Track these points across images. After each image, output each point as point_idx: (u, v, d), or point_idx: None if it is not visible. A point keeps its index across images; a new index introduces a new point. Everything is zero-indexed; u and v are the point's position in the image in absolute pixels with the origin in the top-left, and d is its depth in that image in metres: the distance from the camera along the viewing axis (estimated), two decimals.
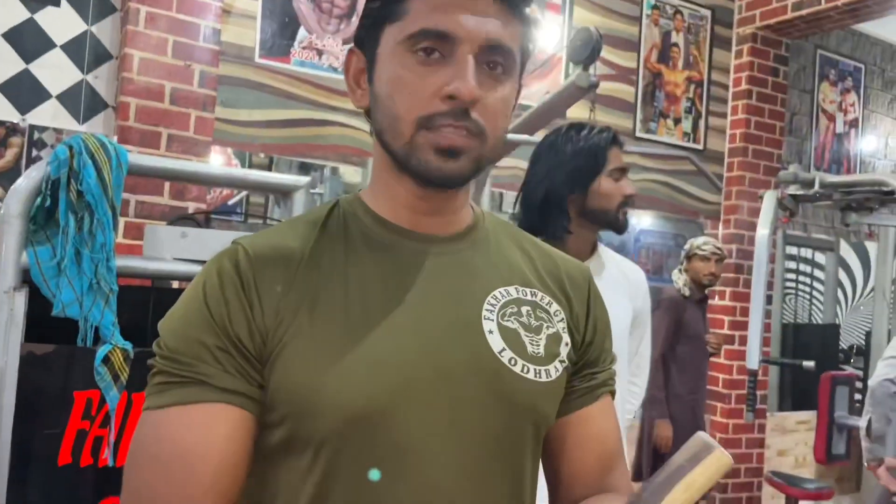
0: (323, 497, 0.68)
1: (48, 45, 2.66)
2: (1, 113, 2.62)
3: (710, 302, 4.48)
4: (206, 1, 2.80)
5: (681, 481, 0.55)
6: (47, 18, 2.66)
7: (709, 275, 3.40)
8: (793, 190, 3.13)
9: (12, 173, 7.23)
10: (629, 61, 4.05)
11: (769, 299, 4.43)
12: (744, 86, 4.33)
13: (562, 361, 0.76)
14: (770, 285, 4.45)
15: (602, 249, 1.67)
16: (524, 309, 0.76)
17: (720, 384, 4.21)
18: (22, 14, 2.62)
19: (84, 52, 2.72)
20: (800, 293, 5.58)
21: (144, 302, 1.75)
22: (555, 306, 0.79)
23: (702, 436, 0.58)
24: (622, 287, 1.63)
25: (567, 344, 0.78)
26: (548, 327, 0.77)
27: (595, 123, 2.52)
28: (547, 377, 0.74)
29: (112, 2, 2.77)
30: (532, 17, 0.76)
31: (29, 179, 1.51)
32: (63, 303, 1.48)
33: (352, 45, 0.78)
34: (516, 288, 0.77)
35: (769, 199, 2.96)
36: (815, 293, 5.67)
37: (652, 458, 3.37)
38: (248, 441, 0.68)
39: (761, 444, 4.33)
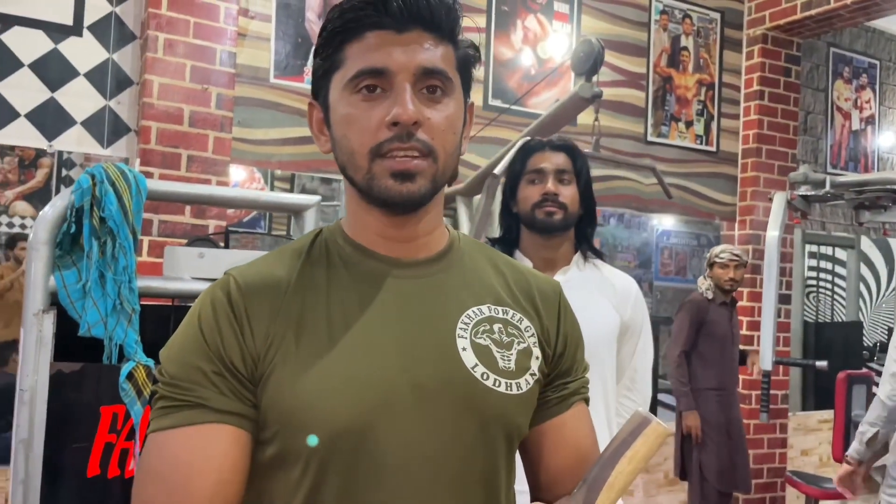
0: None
1: (72, 73, 2.78)
2: (29, 140, 2.74)
3: None
4: (221, 26, 2.90)
5: (625, 454, 0.61)
6: (71, 48, 2.78)
7: (729, 280, 3.56)
8: (804, 191, 3.15)
9: (42, 193, 7.45)
10: (639, 67, 4.09)
11: (788, 299, 4.42)
12: (756, 87, 4.35)
13: (532, 374, 0.81)
14: (789, 284, 4.45)
15: (580, 260, 1.70)
16: (496, 326, 0.81)
17: (740, 385, 4.21)
18: (46, 45, 2.74)
19: (106, 79, 2.83)
20: (821, 291, 5.55)
21: (166, 319, 1.84)
22: (526, 322, 0.84)
23: (640, 411, 0.63)
24: (606, 296, 1.67)
25: (538, 358, 0.83)
26: (519, 343, 0.81)
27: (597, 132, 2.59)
28: (518, 390, 0.79)
29: (132, 30, 2.88)
30: (464, 40, 0.83)
31: (55, 208, 1.60)
32: (89, 323, 1.57)
33: (310, 99, 0.85)
34: (489, 307, 0.82)
35: (778, 201, 2.98)
36: (836, 291, 5.64)
37: (681, 449, 3.47)
38: (244, 457, 0.74)
39: (783, 444, 4.32)
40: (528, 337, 0.83)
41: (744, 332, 4.26)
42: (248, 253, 1.94)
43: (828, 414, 4.50)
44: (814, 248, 5.46)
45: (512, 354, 0.80)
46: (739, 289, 4.34)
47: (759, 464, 4.21)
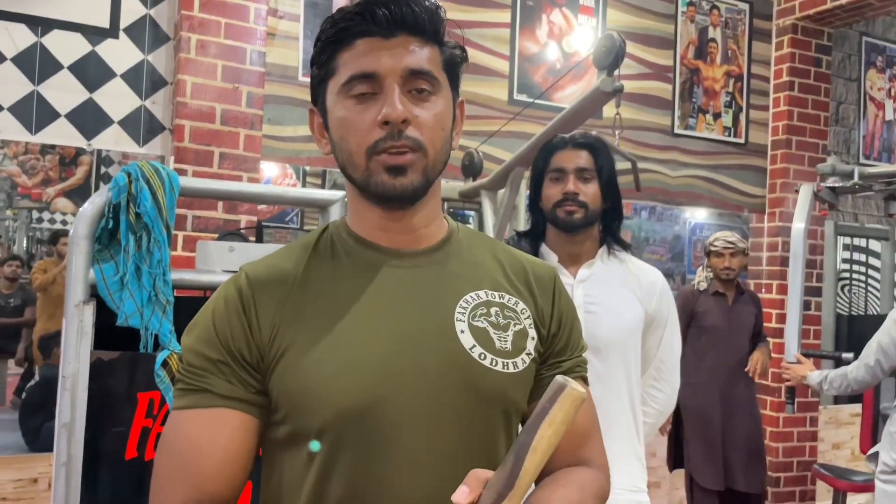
0: (324, 480, 0.80)
1: (109, 74, 2.88)
2: (69, 139, 2.85)
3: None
4: (251, 26, 2.98)
5: (544, 420, 0.65)
6: (107, 50, 2.88)
7: (724, 269, 3.40)
8: (831, 182, 3.13)
9: (82, 189, 7.64)
10: (665, 59, 4.08)
11: (818, 291, 4.38)
12: (785, 77, 4.31)
13: (528, 354, 0.87)
14: (820, 277, 4.41)
15: (604, 253, 1.73)
16: (493, 309, 0.86)
17: (769, 378, 4.19)
18: (85, 47, 2.85)
19: (142, 79, 2.93)
20: (854, 284, 5.48)
21: (198, 310, 1.92)
22: (521, 305, 0.89)
23: (558, 378, 0.67)
24: (631, 288, 1.69)
25: (533, 338, 0.88)
26: (515, 324, 0.87)
27: (620, 125, 2.61)
28: (514, 368, 0.85)
29: (165, 32, 2.98)
30: (450, 41, 0.88)
31: (94, 205, 1.68)
32: (126, 314, 1.65)
33: (311, 107, 0.91)
34: (486, 291, 0.88)
35: (805, 193, 2.97)
36: (871, 283, 5.56)
37: (672, 441, 3.43)
38: (250, 438, 0.82)
39: (814, 438, 4.29)
40: (524, 319, 0.88)
41: (772, 324, 4.23)
42: (276, 246, 2.01)
43: (860, 408, 4.46)
44: (847, 240, 5.38)
45: (508, 335, 0.85)
46: (767, 281, 4.32)
47: (788, 457, 4.19)
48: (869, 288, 5.58)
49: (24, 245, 9.40)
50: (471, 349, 0.83)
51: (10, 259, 6.16)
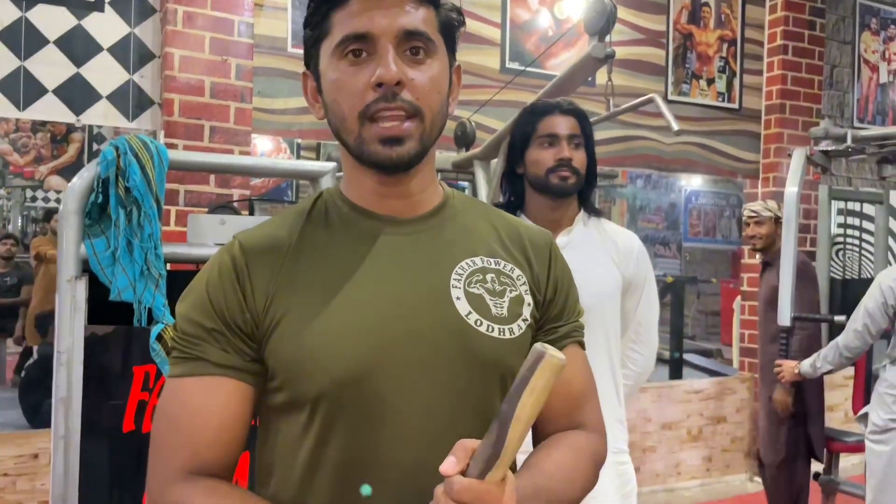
0: (321, 445, 0.80)
1: (96, 48, 2.85)
2: (58, 115, 2.82)
3: (749, 261, 4.48)
4: None
5: (525, 389, 0.66)
6: (93, 23, 2.85)
7: (750, 238, 3.40)
8: (824, 146, 3.12)
9: (75, 167, 7.61)
10: (658, 24, 4.04)
11: (813, 256, 4.40)
12: (779, 41, 4.28)
13: (524, 320, 0.86)
14: (814, 241, 4.42)
15: (583, 219, 1.73)
16: (489, 276, 0.86)
17: (749, 339, 4.22)
18: (70, 21, 2.81)
19: (129, 53, 2.90)
20: (849, 248, 5.49)
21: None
22: (517, 272, 0.89)
23: (537, 346, 0.67)
24: (609, 253, 1.70)
25: (529, 304, 0.88)
26: (511, 291, 0.86)
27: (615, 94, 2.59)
28: (511, 334, 0.84)
29: (151, 4, 2.94)
30: (447, 3, 0.85)
31: (82, 179, 1.67)
32: (119, 288, 1.65)
33: (304, 70, 0.89)
34: (481, 258, 0.87)
35: (798, 157, 2.96)
36: (864, 247, 5.57)
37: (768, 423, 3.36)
38: (244, 405, 0.82)
39: None
40: (520, 285, 0.88)
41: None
42: (261, 219, 2.01)
43: (853, 370, 4.50)
44: (841, 204, 5.39)
45: (504, 302, 0.85)
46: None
47: None
48: (863, 252, 5.60)
49: (19, 224, 9.38)
50: (466, 316, 0.82)
51: (4, 238, 6.14)
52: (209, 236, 1.80)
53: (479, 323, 0.82)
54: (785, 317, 2.85)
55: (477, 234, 0.90)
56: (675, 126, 2.43)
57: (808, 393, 3.17)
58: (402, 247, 0.85)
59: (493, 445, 0.67)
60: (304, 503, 0.81)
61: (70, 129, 7.63)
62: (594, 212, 1.77)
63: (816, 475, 3.39)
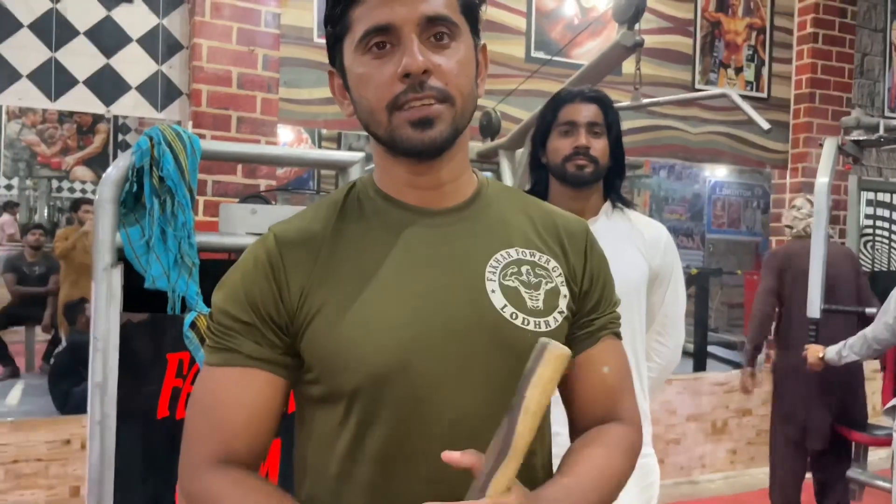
0: (359, 438, 0.80)
1: (125, 39, 2.88)
2: (88, 105, 2.86)
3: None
4: None
5: (530, 382, 0.66)
6: (123, 14, 2.87)
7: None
8: (856, 135, 3.07)
9: (101, 157, 7.69)
10: (686, 13, 4.00)
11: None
12: (809, 29, 4.21)
13: (561, 312, 0.86)
14: (843, 233, 4.36)
15: (608, 210, 1.72)
16: (524, 268, 0.85)
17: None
18: (100, 12, 2.84)
19: (158, 44, 2.92)
20: (878, 240, 5.41)
21: (223, 272, 1.94)
22: (553, 263, 0.88)
23: (542, 339, 0.67)
24: (635, 244, 1.68)
25: (565, 296, 0.87)
26: (547, 283, 0.86)
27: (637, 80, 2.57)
28: (547, 327, 0.83)
29: None
30: None
31: (117, 169, 1.69)
32: (153, 276, 1.67)
33: (330, 68, 0.88)
34: (517, 249, 0.86)
35: (829, 147, 2.92)
36: (894, 238, 5.49)
37: None
38: (276, 397, 0.83)
39: None
40: (556, 277, 0.87)
41: None
42: (296, 208, 2.02)
43: (879, 364, 4.44)
44: (871, 195, 5.31)
45: (540, 294, 0.84)
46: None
47: None
48: (892, 244, 5.51)
49: (45, 214, 9.52)
50: (502, 309, 0.82)
51: (33, 228, 6.23)
52: (241, 226, 1.82)
53: (514, 316, 0.82)
54: (815, 308, 2.81)
55: (512, 224, 0.89)
56: (765, 125, 2.40)
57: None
58: (437, 239, 0.84)
59: (503, 440, 0.67)
60: (341, 496, 0.82)
61: (96, 119, 7.72)
62: (621, 201, 1.74)
63: None
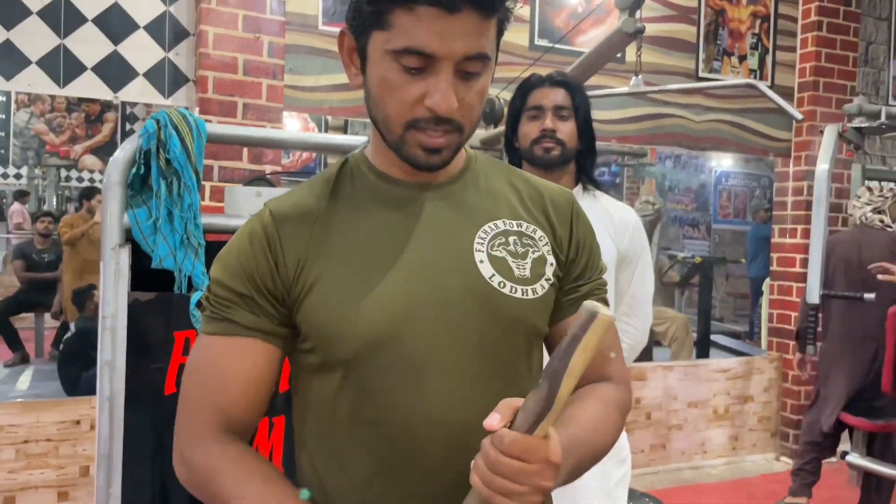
0: (357, 405, 0.84)
1: (132, 26, 2.91)
2: (96, 92, 2.89)
3: (780, 241, 4.45)
4: None
5: (578, 346, 0.68)
6: (130, 2, 2.91)
7: None
8: (857, 122, 3.09)
9: (109, 146, 7.72)
10: (690, 1, 4.00)
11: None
12: (813, 17, 4.21)
13: (547, 280, 0.89)
14: (845, 221, 4.37)
15: (579, 192, 1.74)
16: (511, 238, 0.88)
17: (791, 322, 4.20)
18: (108, 0, 2.87)
19: (164, 31, 2.96)
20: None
21: None
22: (539, 233, 0.91)
23: (587, 304, 0.69)
24: (604, 226, 1.70)
25: (552, 264, 0.90)
26: (533, 252, 0.89)
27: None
28: (534, 294, 0.87)
29: None
30: (506, 6, 0.82)
31: (125, 151, 1.73)
32: (160, 256, 1.71)
33: (343, 26, 0.87)
34: (504, 221, 0.89)
35: (829, 134, 2.94)
36: None
37: None
38: (271, 366, 0.86)
39: None
40: (542, 246, 0.90)
41: (796, 269, 4.23)
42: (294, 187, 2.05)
43: None
44: (874, 184, 5.30)
45: (527, 263, 0.88)
46: (792, 226, 4.31)
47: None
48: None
49: (54, 202, 9.59)
50: (490, 278, 0.85)
51: (42, 216, 6.29)
52: (246, 208, 1.85)
53: (502, 285, 0.85)
54: (814, 294, 2.84)
55: (499, 196, 0.92)
56: (798, 115, 2.43)
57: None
58: (427, 212, 0.87)
59: (544, 399, 0.69)
60: (341, 460, 0.85)
61: (104, 108, 7.77)
62: (593, 184, 1.78)
63: (844, 454, 3.39)
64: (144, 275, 1.73)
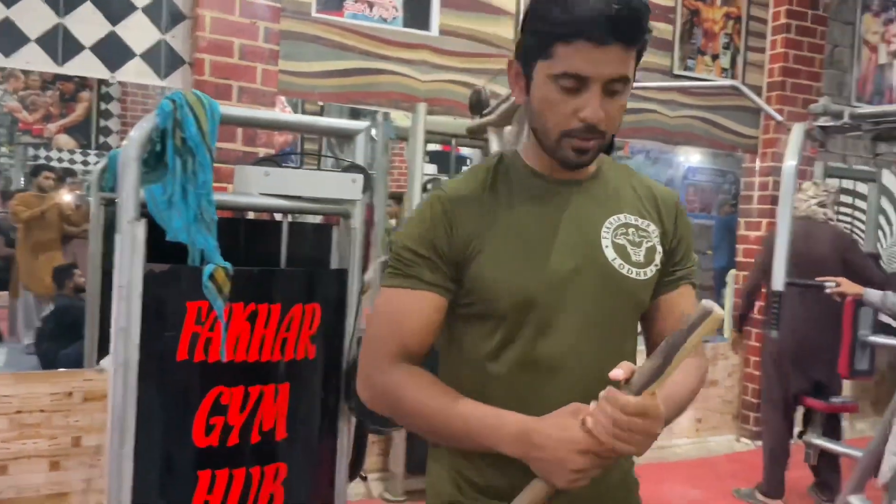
0: (502, 348, 1.07)
1: (130, 8, 2.96)
2: (93, 71, 2.94)
3: (746, 233, 4.65)
4: None
5: (693, 333, 0.87)
6: None
7: None
8: (822, 121, 3.26)
9: (83, 126, 7.63)
10: (667, 0, 4.16)
11: None
12: (783, 19, 4.40)
13: (655, 265, 1.12)
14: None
15: None
16: (630, 230, 1.12)
17: (755, 311, 4.41)
18: None
19: (162, 13, 3.01)
20: (841, 224, 5.66)
21: (236, 230, 2.08)
22: (652, 227, 1.14)
23: (706, 303, 0.86)
24: None
25: (659, 253, 1.13)
26: (647, 242, 1.12)
27: None
28: (644, 276, 1.10)
29: None
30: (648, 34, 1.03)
31: (141, 129, 1.82)
32: (175, 230, 1.80)
33: (512, 56, 1.10)
34: (625, 215, 1.13)
35: (797, 131, 3.11)
36: (856, 224, 5.75)
37: None
38: (441, 313, 1.09)
39: None
40: (654, 237, 1.14)
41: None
42: (302, 171, 2.16)
43: None
44: (836, 183, 5.54)
45: (641, 251, 1.11)
46: (757, 219, 4.51)
47: None
48: (854, 229, 5.78)
49: (21, 182, 9.45)
50: (612, 260, 1.08)
51: (18, 193, 6.24)
52: (254, 187, 1.95)
53: (621, 266, 1.08)
54: (779, 282, 3.02)
55: (622, 194, 1.15)
56: (778, 117, 2.57)
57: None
58: (568, 204, 1.10)
59: (659, 367, 0.88)
60: (486, 394, 1.06)
61: (78, 88, 7.68)
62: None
63: (801, 434, 3.60)
64: (160, 248, 1.82)
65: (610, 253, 1.08)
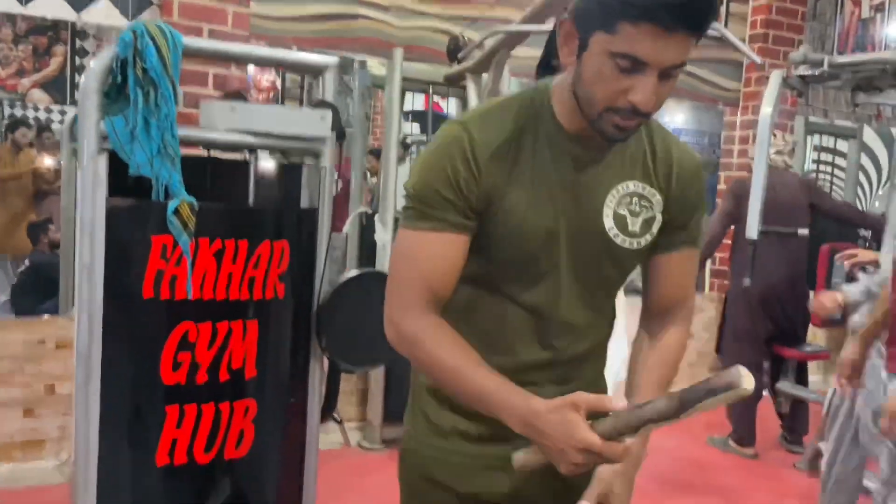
0: (508, 288, 1.14)
1: None
2: (59, 11, 2.86)
3: (725, 187, 4.65)
4: None
5: (712, 399, 0.82)
6: None
7: None
8: (802, 70, 3.25)
9: (58, 81, 7.48)
10: None
11: None
12: None
13: (651, 234, 1.16)
14: None
15: None
16: (634, 199, 1.14)
17: (720, 262, 4.44)
18: None
19: None
20: (820, 181, 5.69)
21: (202, 167, 2.04)
22: (657, 197, 1.15)
23: (734, 371, 0.80)
24: None
25: (658, 222, 1.16)
26: (647, 212, 1.15)
27: None
28: (637, 246, 1.15)
29: None
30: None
31: (101, 60, 1.76)
32: (137, 164, 1.76)
33: (565, 14, 1.04)
34: (634, 182, 1.14)
35: (775, 79, 3.09)
36: (836, 181, 5.77)
37: None
38: (464, 253, 1.12)
39: None
40: (656, 208, 1.16)
41: None
42: (269, 106, 2.10)
43: None
44: (816, 139, 5.55)
45: (638, 221, 1.15)
46: (738, 172, 4.51)
47: None
48: (833, 187, 5.81)
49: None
50: (609, 230, 1.13)
51: None
52: (220, 122, 1.90)
53: (616, 236, 1.13)
54: (753, 230, 3.03)
55: (637, 159, 1.15)
56: (758, 59, 2.56)
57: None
58: (582, 166, 1.12)
59: (673, 411, 0.86)
60: (503, 335, 1.15)
61: (52, 42, 7.50)
62: None
63: (772, 384, 3.65)
64: (123, 183, 1.78)
65: (608, 222, 1.12)
